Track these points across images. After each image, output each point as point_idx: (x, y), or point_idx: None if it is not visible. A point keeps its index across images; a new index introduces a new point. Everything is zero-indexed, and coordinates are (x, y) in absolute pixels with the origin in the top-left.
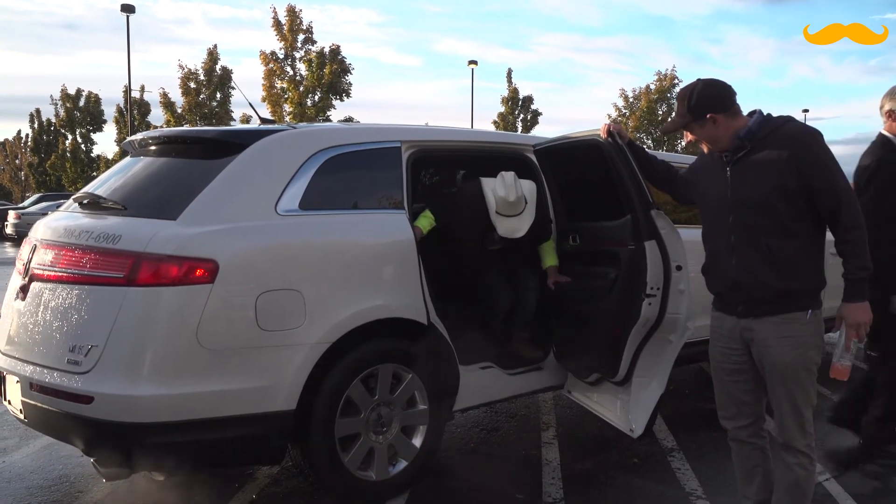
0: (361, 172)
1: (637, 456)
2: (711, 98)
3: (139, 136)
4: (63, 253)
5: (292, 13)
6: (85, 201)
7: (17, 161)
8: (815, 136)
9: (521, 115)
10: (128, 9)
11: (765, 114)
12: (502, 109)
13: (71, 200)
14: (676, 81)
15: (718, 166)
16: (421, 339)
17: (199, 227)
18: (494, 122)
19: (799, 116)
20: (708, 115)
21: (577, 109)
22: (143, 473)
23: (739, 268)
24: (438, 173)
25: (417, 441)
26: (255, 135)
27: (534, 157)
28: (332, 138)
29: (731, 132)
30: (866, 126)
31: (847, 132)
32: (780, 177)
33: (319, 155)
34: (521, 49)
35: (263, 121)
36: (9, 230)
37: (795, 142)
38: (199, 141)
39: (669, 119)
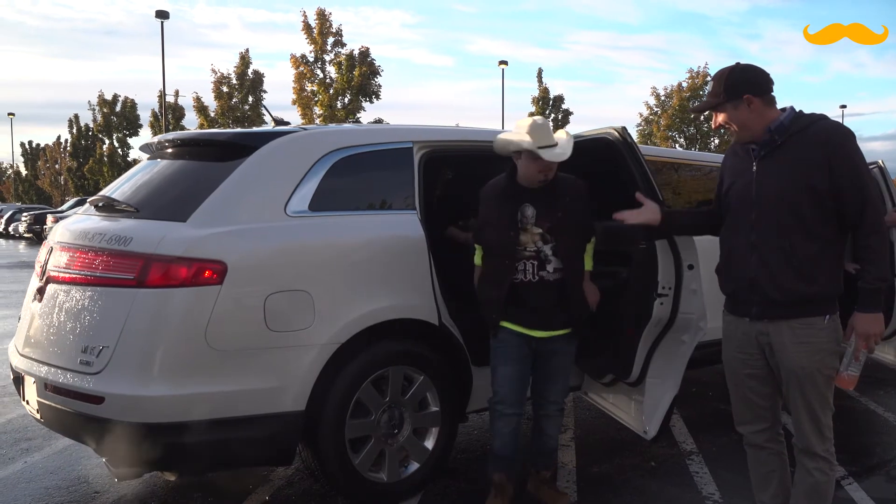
0: (372, 173)
1: (654, 459)
2: (750, 79)
3: (156, 138)
4: (77, 255)
5: (322, 16)
6: (100, 204)
7: (56, 166)
8: (849, 136)
9: (552, 115)
10: (162, 15)
11: (797, 110)
12: (533, 109)
13: (87, 203)
14: (709, 79)
15: (745, 161)
16: (432, 340)
17: (208, 229)
18: None
19: (836, 112)
20: (745, 96)
21: (610, 108)
22: (157, 474)
23: (758, 266)
24: (453, 173)
25: (430, 443)
26: (266, 137)
27: None
28: (343, 139)
29: (764, 121)
30: None
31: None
32: (811, 176)
33: (330, 156)
34: (555, 48)
35: (277, 122)
36: (47, 234)
37: (828, 140)
38: (211, 143)
39: (701, 100)
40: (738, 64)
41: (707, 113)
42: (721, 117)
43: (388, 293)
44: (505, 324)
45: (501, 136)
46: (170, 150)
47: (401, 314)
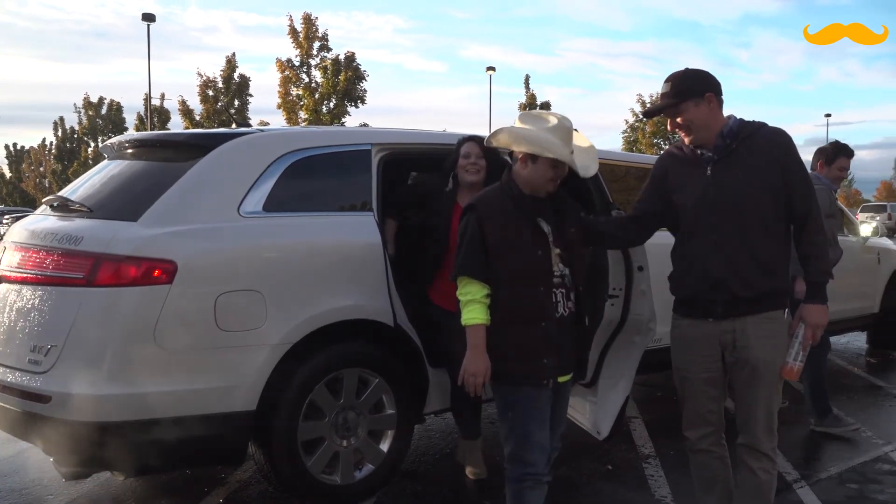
0: (329, 175)
1: (612, 462)
2: (709, 79)
3: (116, 139)
4: (29, 255)
5: (308, 21)
6: (55, 204)
7: (41, 168)
8: (792, 139)
9: None
10: (148, 17)
11: (738, 118)
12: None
13: (43, 203)
14: None
15: (694, 166)
16: (388, 342)
17: (158, 229)
18: None
19: (821, 121)
20: (707, 94)
21: (601, 115)
22: (109, 474)
23: (724, 267)
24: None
25: (385, 445)
26: (222, 138)
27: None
28: (300, 141)
29: (718, 123)
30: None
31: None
32: (768, 178)
33: (286, 158)
34: (548, 54)
35: (239, 125)
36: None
37: (778, 144)
38: (168, 144)
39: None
40: (688, 67)
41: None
42: (680, 118)
43: (342, 294)
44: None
45: (521, 130)
46: (128, 151)
47: (355, 315)
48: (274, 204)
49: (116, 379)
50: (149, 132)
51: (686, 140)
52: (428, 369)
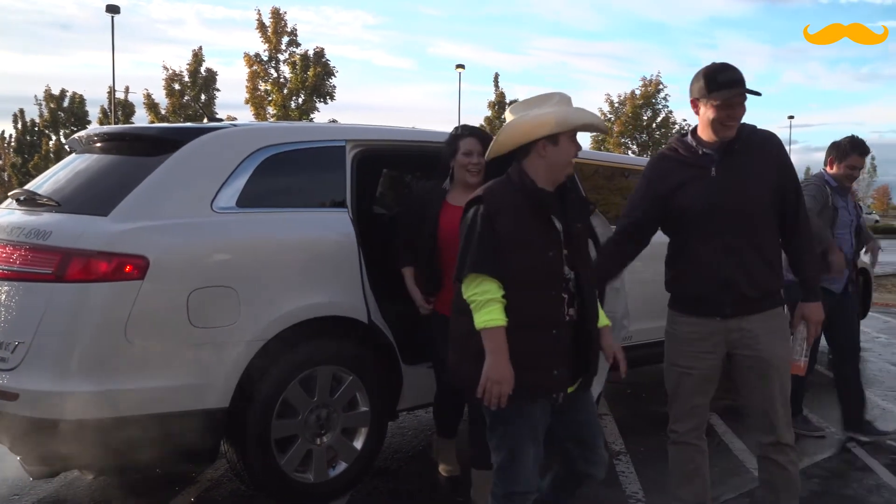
0: (303, 171)
1: None
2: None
3: (83, 133)
4: None
5: (277, 15)
6: (21, 198)
7: None
8: (781, 142)
9: None
10: (112, 9)
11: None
12: (489, 113)
13: (9, 197)
14: (661, 87)
15: (695, 168)
16: (362, 339)
17: (130, 224)
18: (481, 126)
19: (784, 123)
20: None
21: None
22: (77, 473)
23: (734, 268)
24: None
25: (359, 443)
26: (194, 132)
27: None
28: (273, 136)
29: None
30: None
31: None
32: (770, 178)
33: (259, 153)
34: (518, 53)
35: (210, 119)
36: None
37: (773, 145)
38: (138, 138)
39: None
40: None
41: (660, 119)
42: (739, 111)
43: (316, 290)
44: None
45: (537, 114)
46: (96, 145)
47: (329, 311)
48: (247, 199)
49: (86, 376)
50: (119, 126)
51: (729, 133)
52: (402, 366)
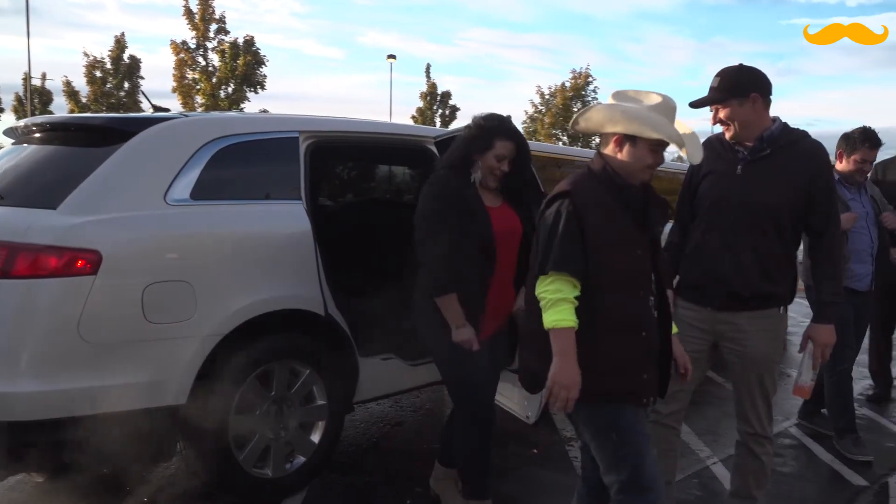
0: (257, 162)
1: (536, 446)
2: (758, 79)
3: (23, 122)
4: None
5: (204, 2)
6: None
7: None
8: (828, 156)
9: (440, 111)
10: None
11: (783, 122)
12: (420, 104)
13: None
14: (591, 80)
15: (727, 161)
16: (318, 332)
17: (81, 217)
18: (413, 117)
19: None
20: (752, 94)
21: (499, 106)
22: (24, 476)
23: (730, 265)
24: (342, 164)
25: (316, 437)
26: (145, 123)
27: (435, 149)
28: (226, 127)
29: (762, 123)
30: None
31: None
32: (794, 189)
33: (212, 144)
34: (447, 43)
35: (156, 109)
36: None
37: (813, 159)
38: (85, 128)
39: (584, 101)
40: (742, 64)
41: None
42: (724, 113)
43: (272, 284)
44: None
45: (620, 107)
46: (38, 135)
47: (286, 305)
48: (201, 192)
49: (36, 375)
50: (64, 115)
51: (727, 135)
52: (358, 358)
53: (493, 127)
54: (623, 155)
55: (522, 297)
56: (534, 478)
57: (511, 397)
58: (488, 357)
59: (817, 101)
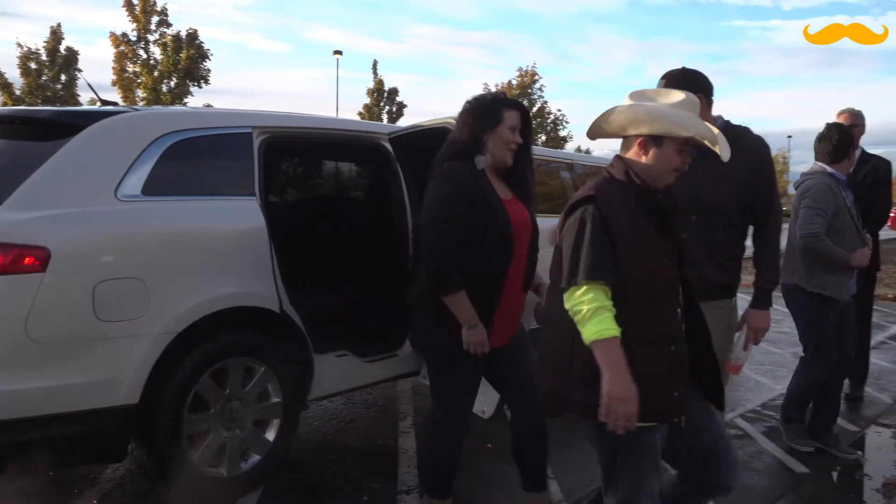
0: (210, 158)
1: (492, 440)
2: (700, 80)
3: None
4: None
5: None
6: None
7: None
8: (769, 151)
9: (387, 107)
10: None
11: (725, 119)
12: (367, 101)
13: None
14: (537, 78)
15: None
16: (273, 329)
17: (28, 213)
18: (360, 114)
19: None
20: (697, 95)
21: (445, 103)
22: None
23: (687, 261)
24: (298, 160)
25: (271, 435)
26: (94, 116)
27: (389, 146)
28: (178, 122)
29: None
30: None
31: None
32: (739, 182)
33: (164, 139)
34: (393, 40)
35: (104, 102)
36: None
37: (755, 153)
38: (30, 121)
39: (532, 98)
40: (685, 67)
41: (536, 108)
42: None
43: (226, 281)
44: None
45: (643, 107)
46: None
47: (240, 302)
48: (153, 187)
49: None
50: (6, 108)
51: None
52: (313, 355)
53: (494, 100)
54: (648, 158)
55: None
56: (489, 472)
57: None
58: (484, 367)
59: (752, 102)
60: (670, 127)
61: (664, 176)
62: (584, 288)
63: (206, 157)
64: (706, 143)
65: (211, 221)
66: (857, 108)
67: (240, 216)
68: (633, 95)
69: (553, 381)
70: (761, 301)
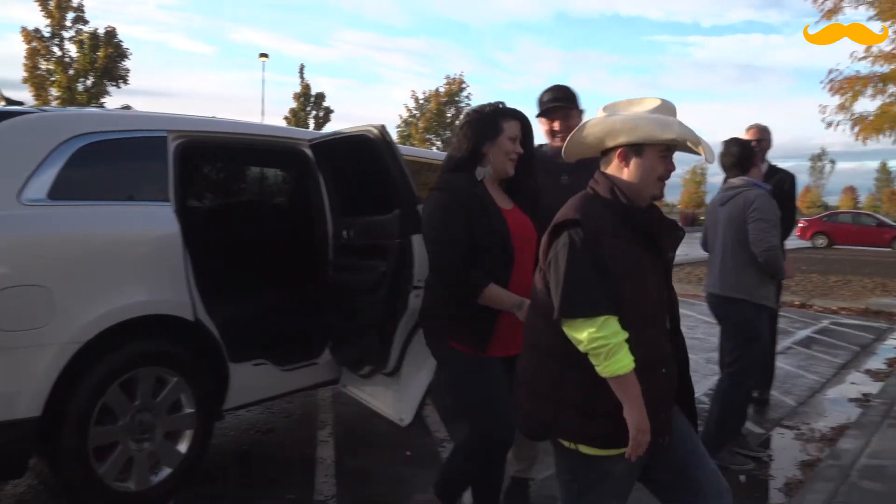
0: (122, 162)
1: (410, 448)
2: (570, 94)
3: None
4: None
5: None
6: None
7: None
8: None
9: (314, 112)
10: None
11: None
12: (294, 105)
13: None
14: (464, 86)
15: (551, 174)
16: (187, 337)
17: None
18: (286, 118)
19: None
20: (581, 107)
21: (373, 108)
22: None
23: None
24: (217, 166)
25: (183, 446)
26: None
27: (310, 152)
28: (88, 124)
29: None
30: None
31: None
32: None
33: (73, 141)
34: (321, 44)
35: (9, 102)
36: None
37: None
38: None
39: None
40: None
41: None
42: (564, 123)
43: (137, 289)
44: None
45: (618, 118)
46: None
47: (151, 310)
48: (60, 191)
49: None
50: None
51: (559, 144)
52: (228, 365)
53: (493, 111)
54: (631, 169)
55: None
56: (408, 480)
57: (385, 400)
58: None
59: None
60: (648, 132)
61: (649, 187)
62: (602, 320)
63: (118, 161)
64: (689, 144)
65: (121, 227)
66: (764, 123)
67: (152, 222)
68: (606, 108)
69: (537, 406)
70: None
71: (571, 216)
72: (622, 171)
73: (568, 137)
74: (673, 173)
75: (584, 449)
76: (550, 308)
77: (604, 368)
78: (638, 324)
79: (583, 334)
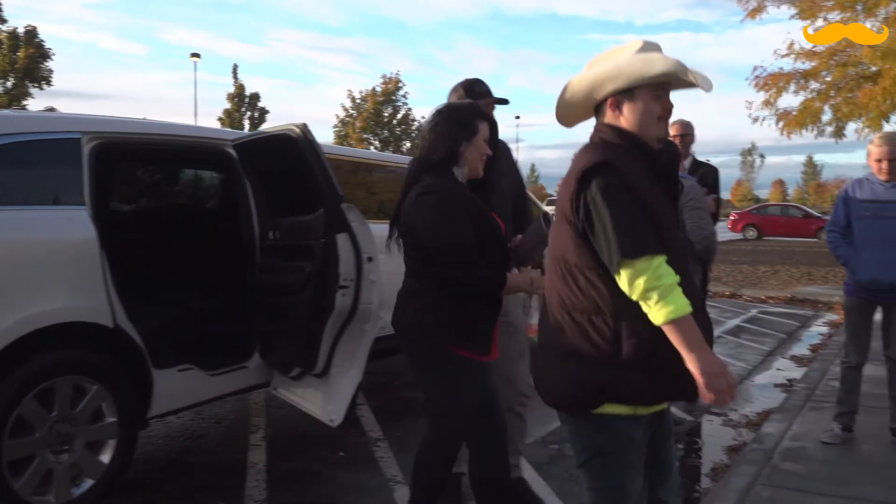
0: (31, 165)
1: (344, 449)
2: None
3: None
4: None
5: None
6: None
7: None
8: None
9: (249, 113)
10: None
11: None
12: (228, 106)
13: None
14: (401, 85)
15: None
16: (107, 344)
17: None
18: (220, 119)
19: (511, 123)
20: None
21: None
22: None
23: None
24: (138, 168)
25: (106, 456)
26: None
27: (233, 152)
28: None
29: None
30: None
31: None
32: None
33: None
34: (256, 44)
35: None
36: None
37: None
38: None
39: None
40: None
41: (401, 115)
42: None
43: (52, 295)
44: (639, 409)
45: (601, 68)
46: None
47: (68, 317)
48: None
49: None
50: None
51: None
52: (152, 371)
53: (470, 110)
54: (626, 116)
55: None
56: (341, 481)
57: (315, 402)
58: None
59: None
60: (633, 73)
61: (650, 128)
62: (659, 260)
63: (28, 165)
64: (680, 76)
65: (34, 233)
66: (688, 118)
67: (66, 227)
68: (590, 65)
69: (597, 373)
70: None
71: (599, 159)
72: (619, 119)
73: (555, 102)
74: None
75: (616, 409)
76: (582, 263)
77: (661, 313)
78: (678, 270)
79: (641, 277)
